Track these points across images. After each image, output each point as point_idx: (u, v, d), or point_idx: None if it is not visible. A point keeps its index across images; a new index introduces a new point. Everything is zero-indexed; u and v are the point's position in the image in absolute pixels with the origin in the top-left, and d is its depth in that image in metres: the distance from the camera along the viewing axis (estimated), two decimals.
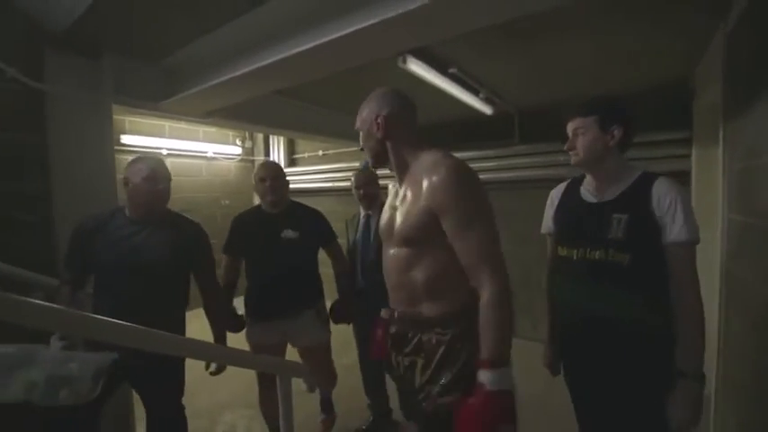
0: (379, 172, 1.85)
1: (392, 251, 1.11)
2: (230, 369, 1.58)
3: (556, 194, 1.44)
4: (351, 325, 2.18)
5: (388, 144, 1.11)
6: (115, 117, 2.24)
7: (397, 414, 1.54)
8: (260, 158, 5.52)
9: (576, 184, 1.37)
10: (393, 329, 1.14)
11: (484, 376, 0.92)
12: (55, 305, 0.78)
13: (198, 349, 1.26)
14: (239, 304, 1.95)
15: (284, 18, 1.62)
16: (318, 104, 3.41)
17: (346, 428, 2.29)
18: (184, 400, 1.66)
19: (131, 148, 4.12)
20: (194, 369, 1.59)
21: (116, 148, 2.74)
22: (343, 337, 2.31)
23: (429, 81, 2.34)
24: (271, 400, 1.91)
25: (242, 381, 2.28)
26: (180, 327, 1.60)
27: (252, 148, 5.56)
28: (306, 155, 5.36)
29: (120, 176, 1.71)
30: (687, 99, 2.77)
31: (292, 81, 2.10)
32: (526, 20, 1.44)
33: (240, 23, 1.77)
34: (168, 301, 1.55)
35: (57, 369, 1.14)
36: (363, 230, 2.19)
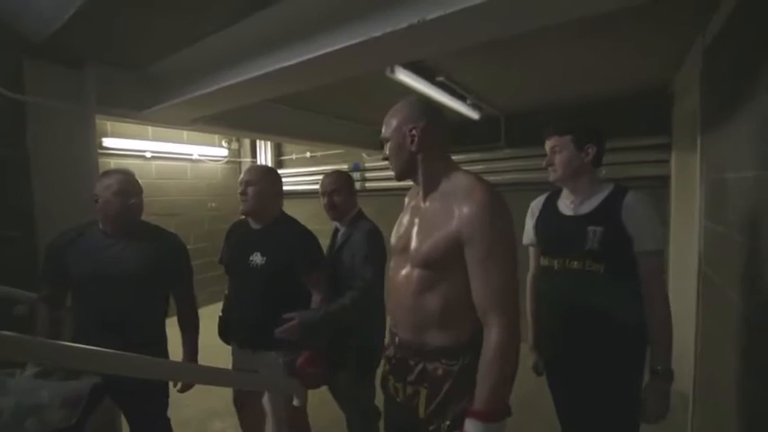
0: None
1: (406, 270, 1.06)
2: None
3: (536, 206, 1.54)
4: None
5: (419, 158, 1.05)
6: (97, 120, 2.19)
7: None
8: (246, 160, 5.47)
9: (554, 197, 1.48)
10: (392, 353, 1.12)
11: (471, 427, 0.88)
12: (19, 335, 0.74)
13: (177, 370, 1.23)
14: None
15: (273, 30, 1.61)
16: (304, 109, 3.39)
17: None
18: (171, 411, 1.65)
19: (114, 152, 4.04)
20: None
21: (98, 151, 2.68)
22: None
23: (417, 90, 2.36)
24: (253, 419, 1.83)
25: (230, 389, 2.26)
26: (160, 338, 1.59)
27: (238, 150, 5.50)
28: (294, 156, 5.32)
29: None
30: (668, 104, 2.85)
31: (278, 93, 2.08)
32: None
33: (229, 33, 1.75)
34: (146, 314, 1.53)
35: (25, 398, 1.13)
36: (329, 248, 1.85)
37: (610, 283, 1.26)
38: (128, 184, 1.50)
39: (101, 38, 1.78)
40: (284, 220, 1.72)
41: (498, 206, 0.95)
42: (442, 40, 1.40)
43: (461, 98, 2.82)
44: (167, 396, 1.62)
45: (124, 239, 1.50)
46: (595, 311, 1.27)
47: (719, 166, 1.59)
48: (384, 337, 1.30)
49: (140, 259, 1.49)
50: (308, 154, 5.12)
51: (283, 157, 5.46)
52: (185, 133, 4.69)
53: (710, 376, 1.67)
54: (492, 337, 0.91)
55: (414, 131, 1.02)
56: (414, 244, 1.04)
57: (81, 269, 1.45)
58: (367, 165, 4.49)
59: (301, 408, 1.59)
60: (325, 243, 1.81)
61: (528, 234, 1.55)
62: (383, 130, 1.10)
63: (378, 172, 4.41)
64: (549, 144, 1.37)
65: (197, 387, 1.61)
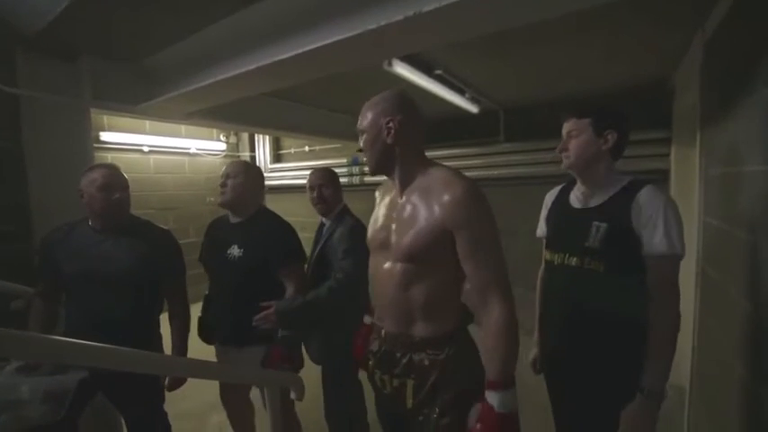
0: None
1: (388, 265, 1.06)
2: None
3: (549, 198, 1.43)
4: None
5: (396, 151, 1.05)
6: (93, 114, 2.18)
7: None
8: (245, 154, 5.44)
9: (568, 188, 1.36)
10: (377, 347, 1.13)
11: (492, 398, 0.92)
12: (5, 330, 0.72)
13: (169, 364, 1.22)
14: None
15: (269, 23, 1.59)
16: (300, 102, 3.37)
17: None
18: (169, 404, 1.65)
19: (111, 146, 4.02)
20: None
21: (96, 145, 2.68)
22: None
23: (415, 83, 2.33)
24: (241, 414, 1.85)
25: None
26: (152, 334, 1.58)
27: (237, 144, 5.47)
28: (292, 150, 5.30)
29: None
30: (668, 99, 2.83)
31: (274, 86, 2.06)
32: None
33: (225, 25, 1.73)
34: (138, 311, 1.51)
35: (2, 393, 1.12)
36: (315, 242, 1.84)
37: (609, 286, 1.14)
38: (112, 178, 1.47)
39: (95, 30, 1.76)
40: (263, 214, 1.72)
41: (480, 193, 0.97)
42: (439, 33, 1.39)
43: (460, 91, 2.80)
44: (162, 390, 1.61)
45: (114, 235, 1.48)
46: (590, 315, 1.17)
47: (719, 160, 1.58)
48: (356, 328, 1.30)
49: (130, 256, 1.47)
50: (306, 148, 5.10)
51: (282, 152, 5.43)
52: (183, 127, 4.66)
53: (708, 370, 1.67)
54: (494, 314, 0.94)
55: (390, 124, 1.03)
56: (394, 238, 1.05)
57: (71, 266, 1.44)
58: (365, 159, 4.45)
59: (291, 402, 1.56)
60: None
61: (540, 226, 1.45)
62: (359, 122, 1.10)
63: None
64: (565, 128, 1.25)
65: (195, 381, 1.58)
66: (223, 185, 1.64)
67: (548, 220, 1.40)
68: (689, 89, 2.20)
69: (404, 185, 1.08)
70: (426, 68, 2.31)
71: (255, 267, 1.59)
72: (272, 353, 1.54)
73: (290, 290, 1.62)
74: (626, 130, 1.20)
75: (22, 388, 1.13)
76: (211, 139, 5.08)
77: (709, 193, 1.76)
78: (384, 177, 1.15)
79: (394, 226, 1.06)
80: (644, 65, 2.47)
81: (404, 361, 1.05)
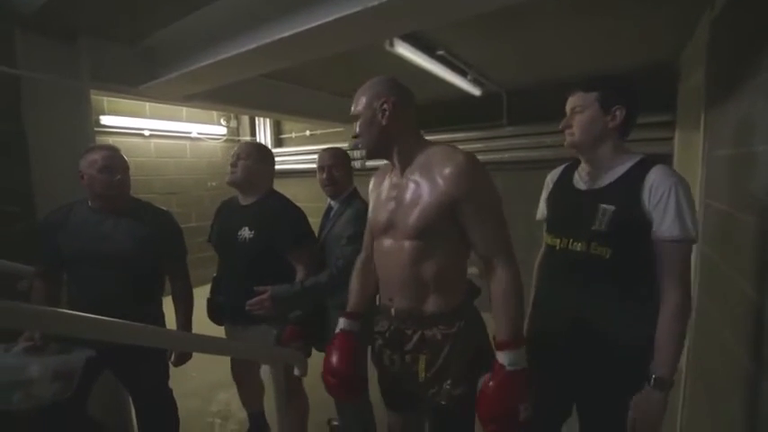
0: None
1: (395, 245, 1.07)
2: None
3: (551, 179, 1.35)
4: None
5: (393, 132, 1.06)
6: (94, 97, 2.16)
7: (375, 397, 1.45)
8: (246, 139, 5.42)
9: (571, 168, 1.28)
10: (386, 326, 1.13)
11: (503, 357, 0.96)
12: (18, 303, 0.74)
13: (177, 339, 1.25)
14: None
15: (269, 1, 1.57)
16: (302, 84, 3.34)
17: None
18: (175, 383, 1.68)
19: (112, 130, 4.01)
20: None
21: (96, 129, 2.66)
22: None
23: (417, 64, 2.31)
24: (253, 391, 1.91)
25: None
26: (155, 314, 1.58)
27: (237, 128, 5.45)
28: (293, 135, 5.27)
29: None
30: (673, 81, 2.79)
31: (274, 66, 2.04)
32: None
33: (224, 4, 1.70)
34: (138, 292, 1.51)
35: (12, 373, 1.15)
36: (321, 226, 1.81)
37: (615, 273, 1.08)
38: (113, 160, 1.46)
39: (94, 10, 1.73)
40: (274, 196, 1.71)
41: (480, 163, 1.02)
42: (441, 11, 1.37)
43: (462, 73, 2.77)
44: (167, 367, 1.64)
45: (113, 216, 1.49)
46: (593, 304, 1.11)
47: (725, 141, 1.56)
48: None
49: (130, 237, 1.48)
50: (307, 132, 5.07)
51: (283, 136, 5.41)
52: (184, 111, 4.64)
53: (706, 356, 1.68)
54: (502, 277, 0.99)
55: (385, 105, 1.04)
56: (400, 218, 1.06)
57: (71, 247, 1.44)
58: None
59: (298, 378, 1.58)
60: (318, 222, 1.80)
61: (541, 208, 1.38)
62: (353, 108, 1.10)
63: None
64: (570, 103, 1.16)
65: (202, 359, 1.59)
66: (234, 165, 1.63)
67: (549, 201, 1.32)
68: (695, 70, 2.16)
69: (404, 166, 1.09)
70: (428, 49, 2.28)
71: (266, 249, 1.59)
72: (286, 332, 1.55)
73: (300, 273, 1.61)
74: (636, 106, 1.11)
75: (32, 367, 1.16)
76: (212, 123, 5.06)
77: (711, 175, 1.75)
78: (381, 162, 1.16)
79: (400, 206, 1.07)
80: (649, 46, 2.43)
81: (415, 338, 1.07)
